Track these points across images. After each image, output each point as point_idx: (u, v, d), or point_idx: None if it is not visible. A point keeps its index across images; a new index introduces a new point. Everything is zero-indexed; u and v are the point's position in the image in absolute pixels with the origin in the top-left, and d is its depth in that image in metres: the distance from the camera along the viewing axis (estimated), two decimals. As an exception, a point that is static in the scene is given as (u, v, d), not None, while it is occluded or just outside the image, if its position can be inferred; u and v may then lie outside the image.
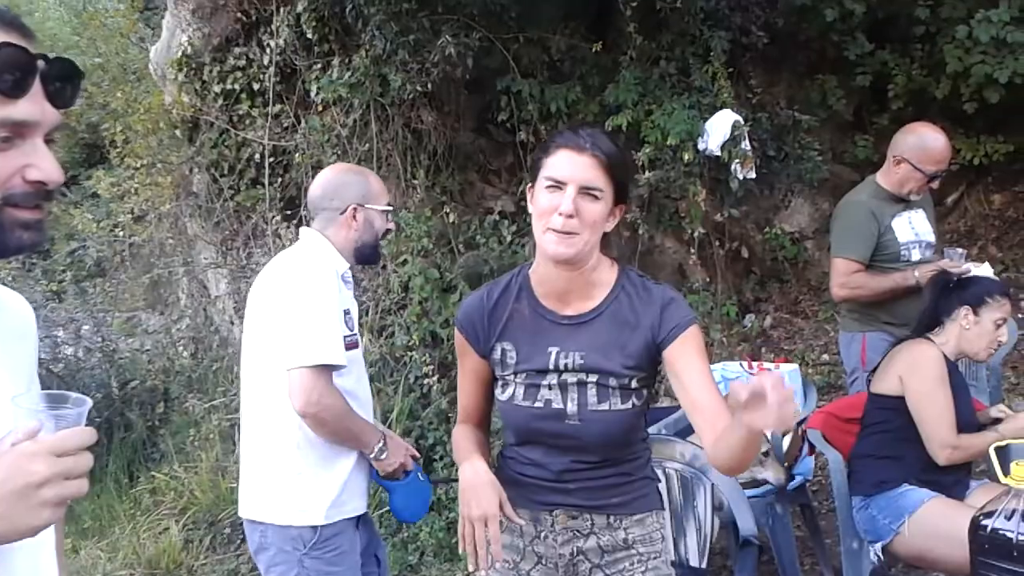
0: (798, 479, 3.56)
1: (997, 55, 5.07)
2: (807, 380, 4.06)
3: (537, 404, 1.91)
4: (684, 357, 1.86)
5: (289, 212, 5.80)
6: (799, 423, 3.56)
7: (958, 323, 2.96)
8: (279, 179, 5.90)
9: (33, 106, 1.10)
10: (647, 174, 4.99)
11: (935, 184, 3.57)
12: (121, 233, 6.53)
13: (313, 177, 5.69)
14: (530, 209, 1.89)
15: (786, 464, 3.45)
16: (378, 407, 4.95)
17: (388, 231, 2.65)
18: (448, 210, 5.38)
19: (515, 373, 1.93)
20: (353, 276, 2.61)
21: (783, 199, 5.82)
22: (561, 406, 1.90)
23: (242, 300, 5.97)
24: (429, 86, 5.24)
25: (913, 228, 3.59)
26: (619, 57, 5.32)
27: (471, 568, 1.87)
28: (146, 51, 8.26)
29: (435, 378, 4.82)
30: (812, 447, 3.50)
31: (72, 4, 13.35)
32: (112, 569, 4.60)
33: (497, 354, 1.95)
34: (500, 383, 1.97)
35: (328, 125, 5.72)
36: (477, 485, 1.85)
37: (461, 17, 5.17)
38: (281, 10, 5.77)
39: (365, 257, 2.60)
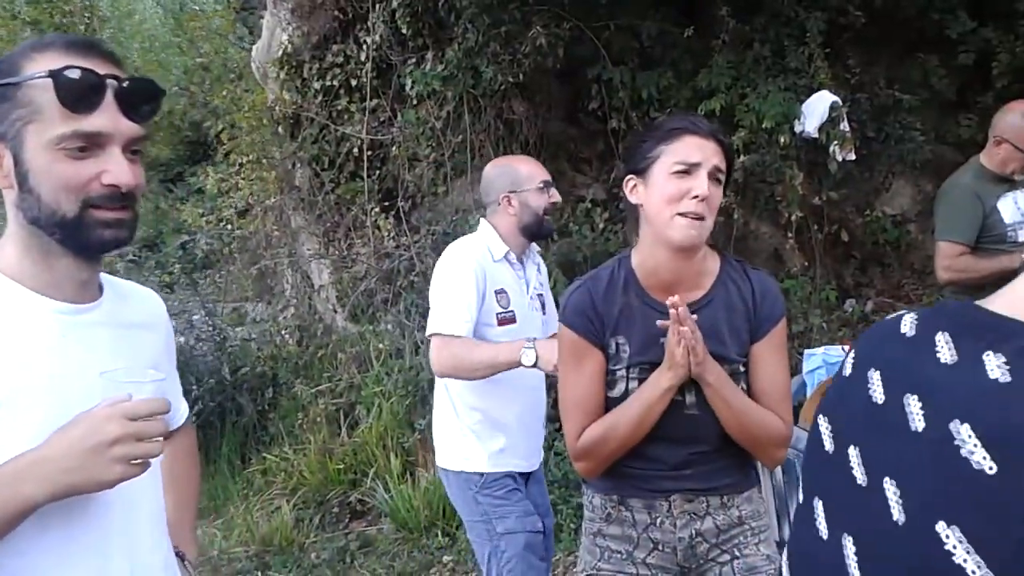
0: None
1: (1109, 26, 4.87)
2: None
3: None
4: (767, 352, 1.97)
5: (387, 203, 5.95)
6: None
7: None
8: (377, 172, 6.06)
9: (105, 120, 1.26)
10: (742, 158, 4.96)
11: None
12: (229, 226, 6.79)
13: (409, 169, 5.97)
14: (633, 200, 1.93)
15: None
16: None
17: (554, 204, 2.85)
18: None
19: (628, 367, 1.93)
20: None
21: (884, 181, 5.70)
22: (679, 397, 1.91)
23: (344, 289, 6.19)
24: (520, 76, 5.31)
25: (1019, 208, 3.52)
26: (711, 41, 5.29)
27: None
28: (244, 50, 8.57)
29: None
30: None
31: (170, 6, 13.85)
32: (228, 546, 4.82)
33: (612, 348, 1.95)
34: (608, 378, 1.97)
35: (423, 118, 5.85)
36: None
37: (551, 7, 5.23)
38: (377, 7, 5.92)
39: (534, 234, 2.87)
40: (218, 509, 5.25)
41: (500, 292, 2.77)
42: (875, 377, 0.89)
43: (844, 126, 4.93)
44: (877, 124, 5.33)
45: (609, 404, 1.97)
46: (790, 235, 5.13)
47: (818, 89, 4.99)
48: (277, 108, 6.16)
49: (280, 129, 6.38)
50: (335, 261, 6.23)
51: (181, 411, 1.69)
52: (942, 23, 5.52)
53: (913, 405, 0.83)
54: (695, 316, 1.89)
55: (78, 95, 1.24)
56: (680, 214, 1.83)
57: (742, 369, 1.95)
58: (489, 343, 2.69)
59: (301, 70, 6.26)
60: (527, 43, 5.09)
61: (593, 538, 2.06)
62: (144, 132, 1.32)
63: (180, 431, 1.68)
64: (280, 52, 6.32)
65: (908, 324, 0.89)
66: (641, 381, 1.92)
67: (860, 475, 0.88)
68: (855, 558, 0.86)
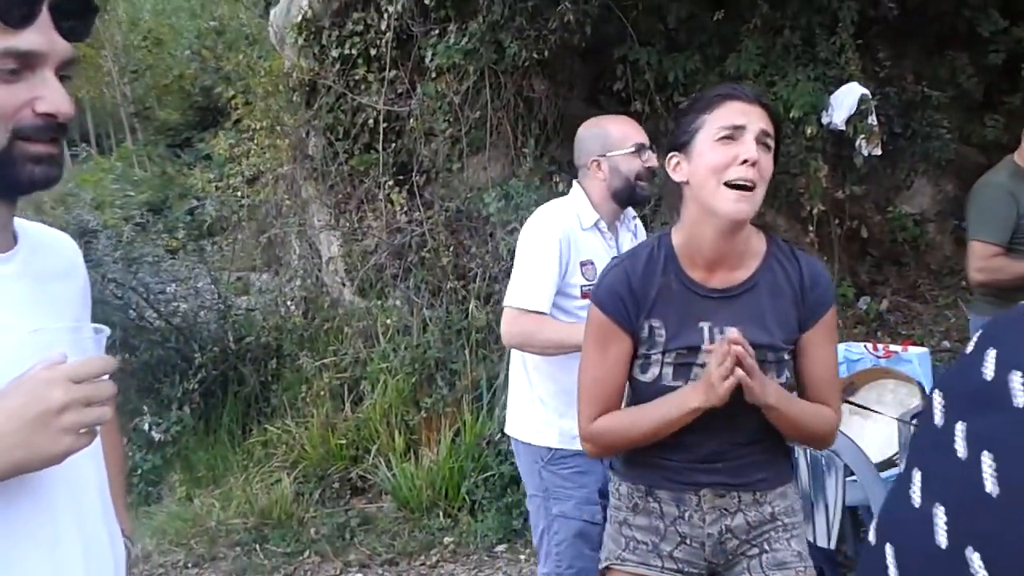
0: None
1: None
2: (940, 365, 3.92)
3: (691, 381, 1.82)
4: (819, 341, 1.88)
5: (402, 177, 5.87)
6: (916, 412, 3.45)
7: None
8: (392, 144, 5.97)
9: (40, 37, 1.08)
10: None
11: None
12: (238, 193, 6.71)
13: (425, 143, 5.89)
14: (677, 177, 1.82)
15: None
16: (484, 372, 5.01)
17: (649, 170, 2.67)
18: (557, 179, 5.36)
19: (664, 352, 1.84)
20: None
21: (905, 179, 5.61)
22: None
23: (353, 262, 6.11)
24: (545, 53, 5.21)
25: None
26: (740, 27, 5.20)
27: None
28: (259, 16, 8.46)
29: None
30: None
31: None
32: (226, 517, 4.76)
33: (645, 332, 1.85)
34: (640, 362, 1.87)
35: (442, 92, 5.75)
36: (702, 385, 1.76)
37: (581, -17, 5.12)
38: (399, -25, 5.81)
39: (624, 200, 2.71)
40: (217, 480, 5.18)
41: (586, 264, 2.61)
42: (991, 355, 0.87)
43: (872, 120, 4.84)
44: (904, 120, 5.23)
45: (638, 388, 1.89)
46: (811, 228, 5.03)
47: (847, 80, 4.90)
48: (294, 75, 6.05)
49: (295, 97, 6.28)
50: (345, 233, 6.15)
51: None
52: (973, 21, 5.43)
53: (1017, 381, 0.81)
54: (739, 297, 1.82)
55: (13, 4, 1.05)
56: (728, 184, 1.71)
57: (786, 357, 1.86)
58: (561, 323, 2.59)
59: (320, 37, 6.15)
60: (555, 19, 4.98)
61: (619, 527, 1.99)
62: (77, 54, 1.14)
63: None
64: (299, 17, 6.20)
65: None
66: (676, 367, 1.83)
67: (962, 448, 0.87)
68: (945, 527, 0.84)
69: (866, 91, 4.83)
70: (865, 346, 3.90)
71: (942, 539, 0.87)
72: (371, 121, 6.00)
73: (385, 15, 5.90)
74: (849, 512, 2.95)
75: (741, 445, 1.88)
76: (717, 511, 1.90)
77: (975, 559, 0.84)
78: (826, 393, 1.91)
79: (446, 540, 4.47)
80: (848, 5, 5.01)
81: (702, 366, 1.81)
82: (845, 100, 4.83)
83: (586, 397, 1.92)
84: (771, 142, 1.76)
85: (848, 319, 5.20)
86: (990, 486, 0.81)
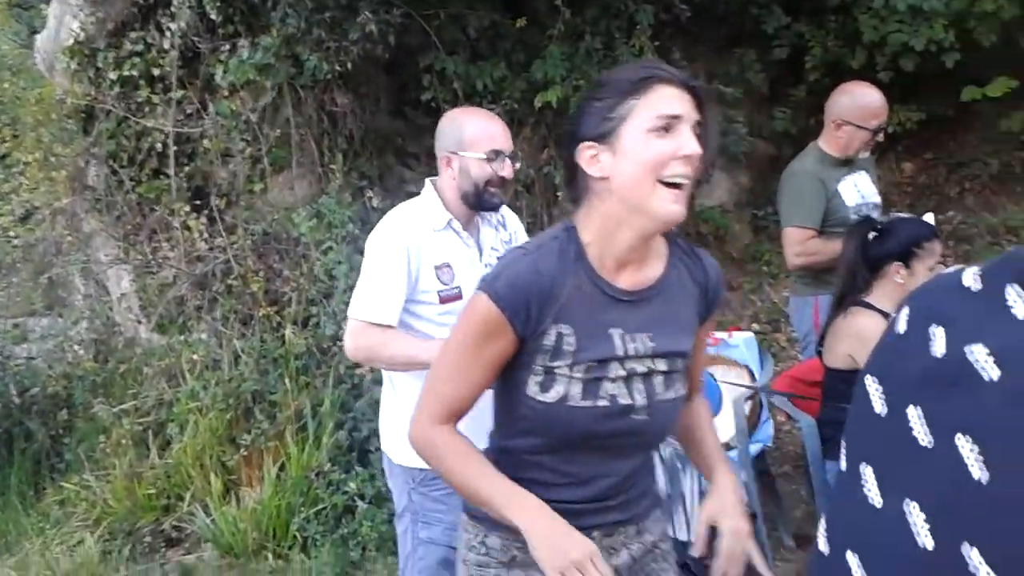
0: (758, 446, 3.52)
1: (912, 23, 5.17)
2: (763, 348, 4.02)
3: (602, 402, 1.58)
4: (703, 336, 1.78)
5: (199, 202, 5.49)
6: (759, 390, 3.52)
7: (891, 280, 2.88)
8: (184, 168, 5.59)
9: None
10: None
11: (880, 137, 3.57)
12: (11, 233, 6.06)
13: (222, 164, 5.54)
14: (594, 172, 1.57)
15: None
16: (307, 401, 4.72)
17: (501, 178, 2.46)
18: (370, 194, 5.17)
19: (572, 365, 1.57)
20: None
21: (704, 173, 5.79)
22: (628, 400, 1.60)
23: (149, 297, 5.63)
24: (348, 66, 5.02)
25: (859, 191, 3.60)
26: (542, 34, 5.22)
27: None
28: (19, 45, 7.77)
29: (367, 368, 4.60)
30: (788, 415, 3.46)
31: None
32: (23, 589, 4.23)
33: (551, 339, 1.57)
34: (542, 378, 1.59)
35: (236, 110, 5.44)
36: (559, 527, 1.53)
37: (379, -8, 4.98)
38: (181, -10, 5.46)
39: (472, 204, 2.50)
40: (10, 547, 4.60)
41: (442, 267, 2.45)
42: (938, 332, 0.82)
43: (674, 118, 4.95)
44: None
45: (527, 410, 1.61)
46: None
47: (649, 81, 4.99)
48: (68, 101, 5.54)
49: (71, 124, 5.76)
50: (138, 267, 5.67)
51: None
52: (759, 18, 5.71)
53: (979, 354, 0.77)
54: (650, 301, 1.63)
55: None
56: (664, 182, 1.51)
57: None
58: (411, 338, 2.42)
59: (95, 59, 5.69)
60: (355, 30, 4.79)
61: None
62: None
63: None
64: (71, 40, 5.71)
65: (971, 278, 0.83)
66: (585, 384, 1.57)
67: (924, 436, 0.81)
68: (926, 525, 0.78)
69: (668, 90, 4.93)
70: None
71: (926, 541, 0.76)
72: (159, 145, 5.59)
73: (168, 33, 5.54)
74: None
75: (628, 476, 1.70)
76: (606, 552, 1.66)
77: (974, 555, 0.72)
78: (697, 382, 1.87)
79: (279, 584, 4.14)
80: (644, 9, 5.13)
81: (613, 380, 1.60)
82: (648, 100, 4.92)
83: (438, 393, 1.64)
84: (700, 131, 1.57)
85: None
86: (977, 472, 0.74)
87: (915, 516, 0.79)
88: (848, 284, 2.95)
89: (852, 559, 0.88)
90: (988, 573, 0.73)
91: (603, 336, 1.59)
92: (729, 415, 3.39)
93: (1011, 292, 0.78)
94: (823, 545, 0.93)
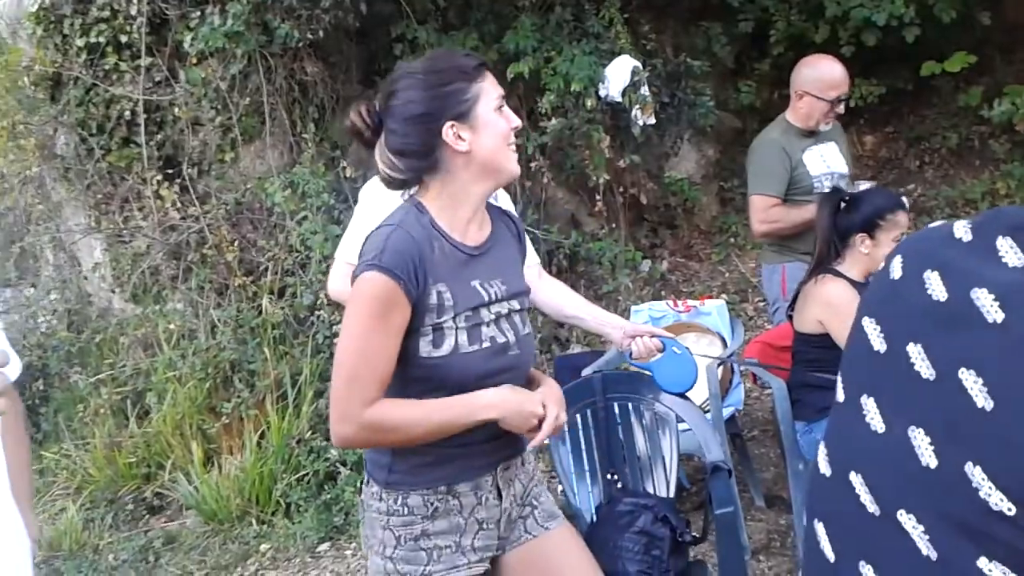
0: (730, 409, 3.67)
1: (874, -1, 5.31)
2: (734, 315, 4.17)
3: (485, 345, 1.81)
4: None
5: (170, 171, 5.48)
6: (730, 355, 3.66)
7: (857, 250, 3.00)
8: (155, 137, 5.56)
9: None
10: (552, 122, 4.96)
11: (840, 109, 3.67)
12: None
13: (192, 132, 5.52)
14: (459, 147, 1.79)
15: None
16: (286, 369, 4.78)
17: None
18: (344, 164, 5.20)
19: (455, 316, 1.78)
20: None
21: (673, 146, 5.91)
22: (504, 339, 1.84)
23: (121, 267, 5.63)
24: (320, 34, 5.02)
25: (825, 161, 3.70)
26: (513, 4, 5.26)
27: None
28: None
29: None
30: (755, 377, 3.61)
31: None
32: (6, 558, 4.27)
33: (432, 298, 1.76)
34: (431, 336, 1.76)
35: (207, 78, 5.42)
36: (511, 400, 1.79)
37: (352, -40, 4.97)
38: (148, -44, 5.40)
39: None
40: (-10, 517, 4.63)
41: None
42: (933, 277, 0.91)
43: (645, 91, 5.05)
44: (670, 89, 5.50)
45: (426, 368, 1.77)
46: (598, 197, 5.18)
47: (619, 54, 5.07)
48: (37, 67, 5.48)
49: (38, 92, 5.69)
50: (110, 236, 5.66)
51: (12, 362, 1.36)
52: (725, -9, 5.81)
53: (984, 299, 0.86)
54: (490, 252, 1.90)
55: None
56: (510, 146, 1.86)
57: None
58: None
59: (61, 26, 5.61)
60: (327, -2, 4.80)
61: (415, 542, 1.84)
62: None
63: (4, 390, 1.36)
64: (35, 6, 5.62)
65: (962, 230, 0.92)
66: (468, 331, 1.78)
67: (926, 369, 0.90)
68: (931, 447, 0.87)
69: (637, 63, 5.02)
70: (667, 303, 4.08)
71: (929, 460, 0.87)
72: (128, 113, 5.55)
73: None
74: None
75: None
76: (507, 483, 1.92)
77: (976, 472, 0.85)
78: None
79: (263, 547, 4.24)
80: (612, -21, 5.19)
81: (487, 324, 1.82)
82: (619, 72, 5.00)
83: (362, 378, 1.73)
84: None
85: (637, 282, 5.43)
86: (981, 401, 0.84)
87: (919, 440, 0.89)
88: (824, 252, 3.09)
89: (855, 478, 0.99)
90: (990, 487, 0.84)
91: (469, 287, 1.82)
92: (703, 379, 3.53)
93: (1003, 243, 0.87)
94: (824, 467, 1.03)
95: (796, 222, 3.59)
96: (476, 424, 1.77)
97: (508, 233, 1.99)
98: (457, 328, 1.78)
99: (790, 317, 3.25)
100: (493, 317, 1.83)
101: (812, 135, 3.69)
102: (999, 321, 0.84)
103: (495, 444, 1.86)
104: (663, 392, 2.60)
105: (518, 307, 1.91)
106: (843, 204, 3.09)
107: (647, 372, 2.46)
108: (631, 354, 2.44)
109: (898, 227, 3.00)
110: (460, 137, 1.78)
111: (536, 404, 1.80)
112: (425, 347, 1.76)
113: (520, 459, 1.97)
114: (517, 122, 1.87)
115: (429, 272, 1.75)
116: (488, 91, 1.81)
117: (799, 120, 3.68)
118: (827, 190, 3.57)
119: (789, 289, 3.57)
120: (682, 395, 2.60)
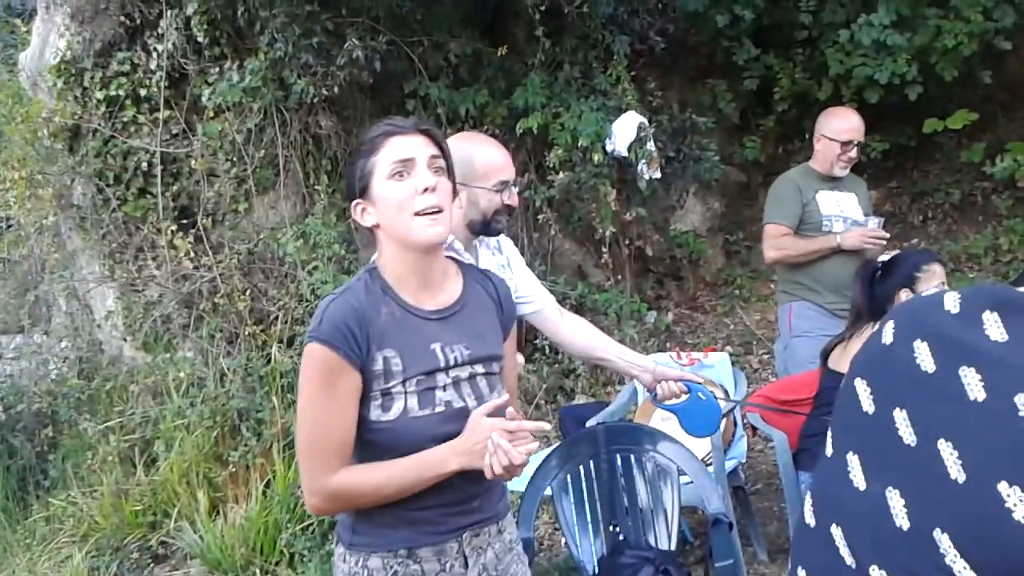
0: (733, 462, 3.69)
1: (877, 57, 5.41)
2: (737, 368, 4.21)
3: (439, 409, 1.77)
4: (509, 352, 1.97)
5: (184, 221, 5.57)
6: (737, 403, 3.69)
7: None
8: (170, 188, 5.67)
9: None
10: (560, 175, 5.05)
11: (853, 153, 3.88)
12: (-3, 250, 6.11)
13: (207, 183, 5.63)
14: (367, 223, 1.81)
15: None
16: (293, 418, 4.81)
17: (507, 207, 2.49)
18: (355, 216, 5.28)
19: (404, 381, 1.75)
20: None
21: (679, 199, 6.01)
22: (462, 403, 1.79)
23: (133, 315, 5.70)
24: (335, 90, 5.15)
25: (839, 205, 3.94)
26: (522, 62, 5.39)
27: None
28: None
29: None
30: (755, 429, 3.63)
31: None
32: (11, 605, 4.29)
33: (378, 364, 1.74)
34: (380, 401, 1.75)
35: (223, 131, 5.54)
36: (458, 445, 1.73)
37: (366, 19, 5.12)
38: (168, 13, 5.56)
39: (477, 231, 2.52)
40: (-3, 564, 4.66)
41: None
42: (922, 347, 0.96)
43: (651, 145, 5.15)
44: (675, 144, 5.61)
45: (377, 432, 1.75)
46: (604, 249, 5.26)
47: (626, 110, 5.18)
48: (57, 118, 5.61)
49: (56, 143, 5.82)
50: (123, 285, 5.74)
51: None
52: (729, 50, 5.93)
53: (970, 377, 0.91)
54: (456, 316, 1.85)
55: None
56: (417, 214, 1.75)
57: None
58: None
59: (81, 79, 5.76)
60: (343, 55, 4.93)
61: None
62: None
63: None
64: (57, 59, 5.78)
65: (952, 302, 0.97)
66: (420, 395, 1.76)
67: (908, 435, 0.94)
68: (904, 509, 0.91)
69: (643, 119, 5.13)
70: (670, 355, 4.12)
71: (902, 521, 0.92)
72: (145, 164, 5.67)
73: (155, 54, 5.63)
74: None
75: (483, 475, 1.78)
76: (475, 552, 1.85)
77: (944, 539, 0.89)
78: (515, 399, 1.97)
79: (267, 598, 4.24)
80: (619, 40, 5.32)
81: (444, 388, 1.79)
82: (625, 128, 5.11)
83: (320, 449, 1.74)
84: (443, 163, 1.80)
85: (642, 333, 5.47)
86: (955, 473, 0.88)
87: (894, 501, 0.93)
88: (852, 323, 3.16)
89: (836, 531, 1.03)
90: (955, 554, 0.88)
91: (426, 351, 1.79)
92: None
93: (988, 317, 0.92)
94: (809, 518, 1.08)
95: (804, 251, 3.85)
96: (443, 477, 1.74)
97: (484, 296, 1.93)
98: (407, 392, 1.76)
99: (824, 361, 3.26)
100: (451, 381, 1.80)
101: (830, 180, 3.90)
102: (979, 400, 0.89)
103: (461, 508, 1.82)
104: (688, 434, 2.65)
105: (482, 371, 1.84)
106: (877, 273, 3.19)
107: (672, 414, 2.52)
108: (655, 395, 2.49)
109: (935, 277, 3.10)
110: (366, 212, 1.80)
111: (479, 431, 1.73)
112: (375, 411, 1.75)
113: (497, 527, 1.91)
114: (426, 183, 1.75)
115: (373, 338, 1.75)
116: (381, 161, 1.76)
117: (818, 164, 3.94)
118: (836, 230, 3.82)
119: (795, 325, 3.83)
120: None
